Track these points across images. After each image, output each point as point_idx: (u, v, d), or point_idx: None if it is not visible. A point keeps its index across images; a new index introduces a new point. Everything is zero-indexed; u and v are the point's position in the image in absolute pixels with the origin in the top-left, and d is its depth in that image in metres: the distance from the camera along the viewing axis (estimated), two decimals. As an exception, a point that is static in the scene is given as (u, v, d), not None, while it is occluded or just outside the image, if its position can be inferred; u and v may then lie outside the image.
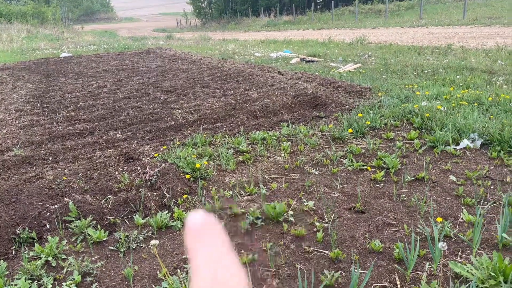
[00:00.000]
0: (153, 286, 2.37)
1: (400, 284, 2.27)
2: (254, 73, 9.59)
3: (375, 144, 4.44)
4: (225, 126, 5.46)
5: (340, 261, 2.52)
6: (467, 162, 3.89)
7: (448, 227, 2.75)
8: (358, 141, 4.66)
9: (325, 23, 34.12)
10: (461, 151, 4.14)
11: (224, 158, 4.26)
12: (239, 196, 3.51)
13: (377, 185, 3.54)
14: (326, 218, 3.06)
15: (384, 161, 3.91)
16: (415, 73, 8.22)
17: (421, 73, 8.25)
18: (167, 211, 3.23)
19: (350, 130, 4.75)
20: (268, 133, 4.99)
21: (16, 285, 2.37)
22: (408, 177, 3.60)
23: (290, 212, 3.13)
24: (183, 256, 2.67)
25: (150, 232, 3.02)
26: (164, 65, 12.01)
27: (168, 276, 2.36)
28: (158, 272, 2.50)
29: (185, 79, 9.35)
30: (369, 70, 8.98)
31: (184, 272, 2.46)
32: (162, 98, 7.36)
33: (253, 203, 3.36)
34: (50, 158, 4.61)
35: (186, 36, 26.19)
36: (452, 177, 3.56)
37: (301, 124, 5.36)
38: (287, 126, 5.20)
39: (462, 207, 3.07)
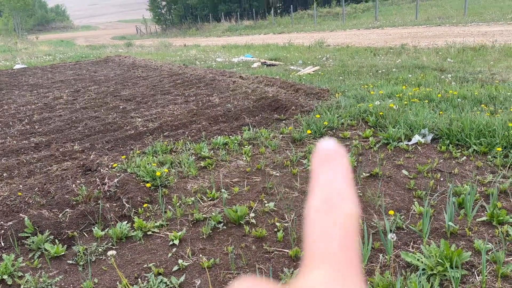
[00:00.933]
0: (113, 297, 2.35)
1: (356, 277, 2.35)
2: (216, 79, 9.61)
3: (333, 143, 4.56)
4: (186, 133, 5.45)
5: (299, 259, 2.58)
6: (419, 157, 4.08)
7: (400, 219, 2.88)
8: (317, 141, 4.76)
9: (285, 27, 34.63)
10: (413, 146, 4.33)
11: (185, 164, 4.26)
12: (201, 202, 3.52)
13: (335, 183, 3.64)
14: (286, 218, 3.12)
15: (342, 160, 4.03)
16: (370, 74, 8.51)
17: (376, 73, 8.55)
18: (127, 222, 3.19)
19: (309, 131, 4.87)
20: (230, 137, 5.02)
21: (-33, 308, 2.28)
22: (363, 173, 3.73)
23: (252, 214, 3.17)
24: (145, 265, 2.65)
25: (110, 243, 2.97)
26: (123, 73, 11.81)
27: (128, 287, 2.34)
28: (118, 283, 2.47)
29: (145, 86, 9.24)
30: (327, 72, 9.21)
31: (145, 281, 2.45)
32: (121, 107, 7.24)
33: (215, 208, 3.38)
34: (4, 174, 4.44)
35: (146, 43, 25.83)
36: (404, 172, 3.72)
37: (262, 127, 5.43)
38: (248, 130, 5.25)
39: (414, 200, 3.22)
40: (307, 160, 4.17)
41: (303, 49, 15.18)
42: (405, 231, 2.79)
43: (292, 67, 10.74)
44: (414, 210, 3.06)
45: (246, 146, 4.72)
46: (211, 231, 3.01)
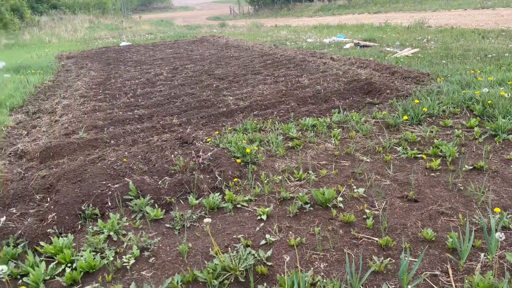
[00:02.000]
0: (206, 262, 2.50)
1: (452, 274, 2.21)
2: (306, 59, 9.50)
3: (431, 131, 4.27)
4: (275, 113, 5.50)
5: (389, 249, 2.49)
6: (533, 152, 3.65)
7: (507, 218, 2.62)
8: (414, 129, 4.51)
9: (382, 6, 32.77)
10: (527, 140, 3.88)
11: (273, 143, 4.31)
12: (288, 181, 3.56)
13: (432, 174, 3.43)
14: (376, 205, 3.02)
15: (441, 150, 3.76)
16: (477, 58, 7.74)
17: (484, 57, 7.74)
18: (218, 193, 3.35)
19: (405, 117, 4.61)
20: (318, 119, 4.96)
21: (82, 256, 2.59)
22: (466, 166, 3.44)
23: (339, 199, 3.13)
24: (234, 236, 2.77)
25: (203, 212, 3.15)
26: (217, 52, 12.22)
27: (219, 254, 2.47)
28: (210, 250, 2.62)
29: (237, 66, 9.47)
30: (428, 55, 8.57)
31: (235, 251, 2.56)
32: (214, 85, 7.53)
33: (302, 188, 3.40)
34: (112, 141, 4.91)
35: (238, 24, 26.38)
36: (514, 167, 3.36)
37: (353, 110, 5.27)
38: (338, 113, 5.14)
39: (525, 199, 2.90)
40: (401, 148, 3.96)
41: (401, 30, 14.28)
42: (512, 231, 2.54)
43: (388, 49, 10.19)
44: (524, 210, 2.76)
45: (335, 129, 4.63)
46: (297, 211, 3.04)
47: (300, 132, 4.66)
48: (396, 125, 4.58)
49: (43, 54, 14.16)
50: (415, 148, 3.95)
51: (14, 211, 3.29)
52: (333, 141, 4.33)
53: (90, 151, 4.65)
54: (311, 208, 3.05)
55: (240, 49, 12.61)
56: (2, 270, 2.01)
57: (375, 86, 6.22)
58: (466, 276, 2.16)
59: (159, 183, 3.63)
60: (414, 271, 2.15)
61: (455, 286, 2.12)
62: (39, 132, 5.51)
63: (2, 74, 9.72)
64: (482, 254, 2.30)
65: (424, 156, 3.75)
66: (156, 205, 3.28)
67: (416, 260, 2.33)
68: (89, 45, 17.38)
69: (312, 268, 2.37)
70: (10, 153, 4.70)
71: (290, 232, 2.77)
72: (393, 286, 2.17)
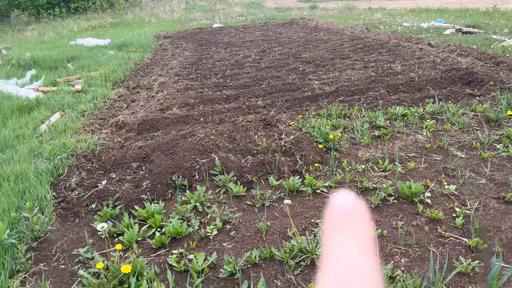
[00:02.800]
0: (283, 241, 2.56)
1: (553, 288, 2.01)
2: (400, 45, 8.99)
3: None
4: (362, 99, 5.33)
5: (479, 251, 2.32)
6: None
7: None
8: (519, 125, 4.07)
9: (492, -12, 29.49)
10: None
11: (358, 131, 4.20)
12: (371, 171, 3.46)
13: (537, 176, 3.09)
14: (468, 204, 2.82)
15: (550, 150, 3.37)
16: None
17: None
18: (298, 177, 3.37)
19: (509, 112, 4.18)
20: (409, 109, 4.71)
21: (170, 222, 2.81)
22: None
23: (427, 194, 2.97)
24: (312, 220, 2.79)
25: (282, 193, 3.21)
26: (305, 35, 12.09)
27: (297, 236, 2.51)
28: (288, 230, 2.67)
29: (325, 50, 9.29)
30: (543, 44, 7.60)
31: (312, 235, 2.58)
32: (301, 69, 7.49)
33: (386, 180, 3.28)
34: (201, 119, 5.17)
35: (330, 6, 25.71)
36: None
37: (449, 101, 4.90)
38: (432, 103, 4.82)
39: None
40: (502, 145, 3.61)
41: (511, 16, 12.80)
42: None
43: (494, 37, 9.22)
44: None
45: (428, 120, 4.36)
46: (380, 202, 2.95)
47: (388, 121, 4.47)
48: (497, 120, 4.18)
49: (143, 33, 15.21)
50: (519, 147, 3.58)
51: (114, 176, 3.65)
52: (425, 133, 4.09)
53: (181, 127, 4.95)
54: (395, 201, 2.94)
55: (330, 32, 12.32)
56: (103, 227, 2.26)
57: (477, 77, 5.70)
58: None
59: (242, 161, 3.75)
60: (506, 277, 1.99)
61: (556, 301, 1.92)
62: (137, 106, 5.98)
63: (107, 51, 10.67)
64: None
65: (529, 156, 3.39)
66: (238, 182, 3.41)
67: (509, 266, 2.14)
68: (184, 26, 18.26)
69: (392, 261, 2.30)
70: (112, 124, 5.19)
71: (372, 223, 2.71)
72: (480, 292, 2.04)
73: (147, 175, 3.56)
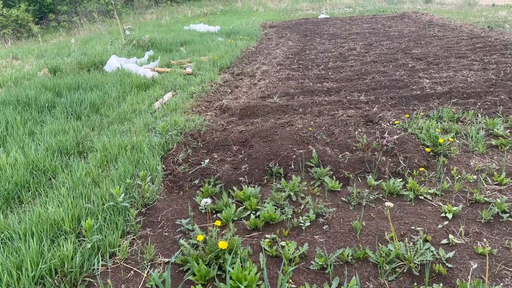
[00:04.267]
0: (380, 244, 2.47)
1: None
2: (530, 46, 7.97)
3: None
4: (479, 104, 4.85)
5: None
6: None
7: None
8: None
9: None
10: None
11: (473, 138, 3.84)
12: (484, 183, 3.15)
13: None
14: None
15: None
16: None
17: None
18: (400, 179, 3.21)
19: None
20: (536, 119, 4.17)
21: (265, 207, 2.88)
22: None
23: (551, 216, 2.62)
24: (412, 227, 2.65)
25: (381, 195, 3.09)
26: (417, 30, 11.33)
27: (395, 240, 2.40)
28: (385, 234, 2.57)
29: (439, 47, 8.61)
30: None
31: (411, 242, 2.45)
32: (410, 65, 7.05)
33: (500, 194, 2.97)
34: (300, 110, 5.18)
35: (447, 1, 23.71)
36: None
37: None
38: None
39: None
40: None
41: None
42: None
43: None
44: None
45: (559, 134, 3.82)
46: (491, 218, 2.68)
47: (508, 131, 4.01)
48: None
49: (250, 21, 15.63)
50: None
51: (216, 156, 3.85)
52: (553, 148, 3.60)
53: (280, 116, 5.01)
54: (510, 219, 2.65)
55: (445, 29, 11.38)
56: (207, 202, 2.41)
57: None
58: None
59: (339, 156, 3.69)
60: None
61: None
62: (240, 92, 6.20)
63: (217, 37, 11.18)
64: None
65: None
66: (334, 177, 3.36)
67: None
68: (290, 16, 18.34)
69: (502, 284, 2.09)
70: (216, 107, 5.46)
71: (480, 239, 2.48)
72: None
73: (246, 159, 3.69)
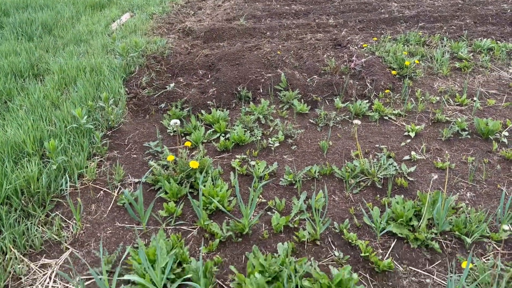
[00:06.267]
0: (345, 161, 2.55)
1: None
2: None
3: None
4: (445, 28, 4.87)
5: (556, 197, 2.19)
6: None
7: None
8: None
9: None
10: None
11: (438, 61, 3.90)
12: (446, 104, 3.26)
13: None
14: (550, 149, 2.62)
15: None
16: None
17: None
18: (367, 101, 3.26)
19: None
20: (497, 43, 4.26)
21: (234, 129, 2.87)
22: None
23: (505, 133, 2.78)
24: (376, 145, 2.73)
25: (347, 116, 3.14)
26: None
27: (360, 157, 2.48)
28: (351, 152, 2.65)
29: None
30: None
31: (375, 159, 2.55)
32: (379, -11, 6.88)
33: (461, 114, 3.09)
34: (268, 33, 5.02)
35: None
36: None
37: (546, 39, 4.36)
38: (525, 39, 4.31)
39: None
40: None
41: None
42: None
43: None
44: None
45: (517, 57, 3.94)
46: (451, 136, 2.81)
47: (471, 54, 4.09)
48: None
49: None
50: None
51: (181, 80, 3.72)
52: (511, 70, 3.72)
53: (247, 39, 4.85)
54: (468, 136, 2.79)
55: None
56: (176, 123, 2.35)
57: None
58: None
59: (308, 80, 3.66)
60: None
61: None
62: (204, 14, 5.88)
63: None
64: None
65: None
66: (302, 100, 3.36)
67: None
68: None
69: (457, 194, 2.24)
70: (179, 29, 5.18)
71: (440, 155, 2.61)
72: (551, 236, 1.95)
73: (213, 82, 3.59)
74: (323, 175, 2.46)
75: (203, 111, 3.14)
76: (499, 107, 3.16)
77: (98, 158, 2.61)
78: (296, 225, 2.07)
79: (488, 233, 1.96)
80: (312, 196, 2.06)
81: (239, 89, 3.48)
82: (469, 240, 1.90)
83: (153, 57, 4.02)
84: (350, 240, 1.96)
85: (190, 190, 2.30)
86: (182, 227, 2.09)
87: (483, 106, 3.18)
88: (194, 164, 2.25)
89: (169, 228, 2.08)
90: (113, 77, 3.41)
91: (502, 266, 1.78)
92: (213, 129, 2.94)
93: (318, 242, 1.97)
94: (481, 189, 2.29)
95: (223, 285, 1.76)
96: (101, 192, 2.33)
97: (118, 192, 2.32)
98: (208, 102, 3.31)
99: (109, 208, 2.21)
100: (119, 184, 2.38)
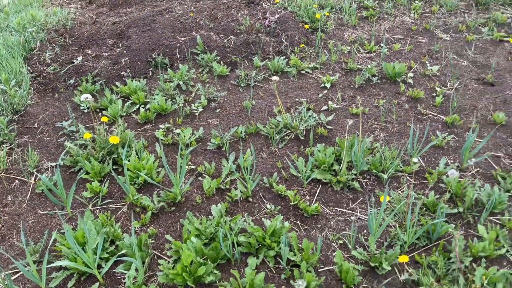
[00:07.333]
0: (269, 118, 2.60)
1: (517, 158, 2.18)
2: None
3: (527, 14, 3.79)
4: (351, -21, 5.02)
5: (455, 127, 2.45)
6: None
7: None
8: (506, 9, 4.00)
9: None
10: None
11: (346, 11, 4.04)
12: (357, 53, 3.42)
13: (517, 60, 3.14)
14: (448, 85, 2.88)
15: (534, 34, 3.38)
16: None
17: None
18: (284, 57, 3.31)
19: (499, -5, 4.06)
20: (399, -10, 4.49)
21: (154, 99, 2.78)
22: (561, 55, 3.11)
23: (410, 74, 3.00)
24: (296, 99, 2.82)
25: (267, 74, 3.17)
26: None
27: (283, 113, 2.55)
28: (273, 109, 2.70)
29: None
30: None
31: (297, 112, 2.63)
32: None
33: (371, 61, 3.27)
34: (178, -5, 4.80)
35: None
36: None
37: (439, -17, 4.69)
38: (422, -16, 4.60)
39: None
40: (487, 29, 3.58)
41: None
42: None
43: None
44: None
45: (416, 1, 4.21)
46: (363, 82, 2.98)
47: (376, 2, 4.29)
48: (486, 3, 4.07)
49: None
50: (503, 31, 3.57)
51: (89, 52, 3.47)
52: (412, 15, 3.98)
53: (157, 3, 4.61)
54: (379, 81, 2.97)
55: None
56: (87, 98, 2.21)
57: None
58: (533, 162, 2.13)
59: (225, 41, 3.61)
60: (477, 149, 2.13)
61: (518, 169, 2.11)
62: (107, -21, 5.45)
63: None
64: (556, 144, 2.21)
65: (510, 39, 3.40)
66: (222, 62, 3.32)
67: (481, 140, 2.29)
68: None
69: (372, 135, 2.41)
70: (81, -2, 4.77)
71: (357, 101, 2.76)
72: (452, 161, 2.19)
73: (125, 51, 3.41)
74: (249, 134, 2.50)
75: (117, 83, 2.98)
76: (404, 51, 3.39)
77: (7, 146, 2.40)
78: (228, 186, 2.10)
79: (402, 167, 2.15)
80: (240, 156, 2.10)
81: (154, 56, 3.34)
82: (385, 176, 2.08)
83: (54, 30, 3.68)
84: (279, 192, 2.04)
85: (114, 167, 2.22)
86: (110, 206, 2.03)
87: (390, 51, 3.39)
88: (114, 139, 2.16)
89: (97, 209, 2.01)
90: (12, 56, 3.08)
91: (415, 195, 1.97)
92: (132, 101, 2.82)
93: (250, 199, 2.03)
94: (393, 128, 2.49)
95: (161, 255, 1.77)
96: (16, 181, 2.16)
97: (35, 179, 2.17)
98: (122, 73, 3.14)
99: (27, 197, 2.07)
100: (34, 170, 2.22)
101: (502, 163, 2.17)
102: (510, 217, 1.82)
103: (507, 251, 1.69)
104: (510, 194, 1.95)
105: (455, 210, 1.86)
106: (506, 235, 1.74)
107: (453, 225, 1.76)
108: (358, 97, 2.81)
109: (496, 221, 1.85)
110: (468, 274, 1.57)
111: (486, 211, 1.81)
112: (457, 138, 2.35)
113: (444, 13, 4.00)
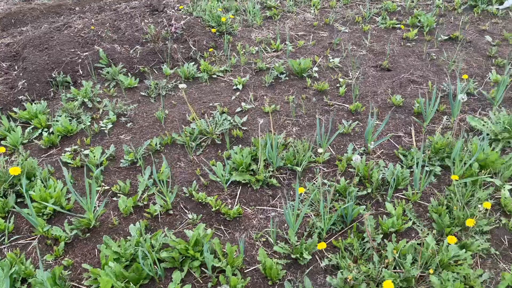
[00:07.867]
0: (183, 126, 2.57)
1: (415, 135, 2.38)
2: None
3: (412, 1, 4.15)
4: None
5: (359, 114, 2.61)
6: (508, 23, 3.64)
7: (473, 84, 2.73)
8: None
9: None
10: (504, 11, 3.83)
11: (250, 13, 4.12)
12: (264, 52, 3.50)
13: (408, 44, 3.42)
14: (350, 75, 3.06)
15: (419, 20, 3.70)
16: None
17: None
18: (193, 63, 3.28)
19: (387, -14, 4.40)
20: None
21: (58, 121, 2.61)
22: (442, 36, 3.44)
23: (315, 68, 3.14)
24: (210, 104, 2.81)
25: (178, 81, 3.13)
26: None
27: (197, 119, 2.53)
28: (187, 116, 2.67)
29: None
30: None
31: (211, 117, 2.63)
32: None
33: (278, 59, 3.36)
34: (77, 8, 4.57)
35: None
36: (487, 37, 3.38)
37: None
38: (319, -19, 4.84)
39: (492, 68, 2.99)
40: (381, 18, 3.87)
41: None
42: (476, 97, 2.67)
43: None
44: (489, 78, 2.87)
45: (315, -2, 4.42)
46: (273, 81, 3.06)
47: (278, 1, 4.43)
48: (378, -5, 4.39)
49: None
50: (394, 18, 3.88)
51: (-19, 79, 3.17)
52: (313, 11, 4.17)
53: (54, 19, 4.35)
54: (287, 78, 3.07)
55: None
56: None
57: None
58: (428, 136, 2.33)
59: (131, 52, 3.50)
60: (379, 132, 2.29)
61: (416, 144, 2.30)
62: (-6, -3, 5.02)
63: None
64: (445, 117, 2.45)
65: (402, 26, 3.70)
66: (129, 73, 3.22)
67: (381, 123, 2.46)
68: None
69: (285, 131, 2.48)
70: (-35, 20, 4.34)
71: (266, 100, 2.82)
72: (358, 146, 2.33)
73: (21, 74, 3.16)
74: (165, 146, 2.44)
75: (15, 109, 2.76)
76: (308, 46, 3.54)
77: None
78: (146, 202, 2.04)
79: (314, 158, 2.24)
80: (154, 170, 2.04)
81: (53, 75, 3.13)
82: (299, 169, 2.15)
83: None
84: (200, 200, 2.02)
85: (19, 200, 2.05)
86: (19, 242, 1.87)
87: (295, 48, 3.52)
88: (15, 170, 1.99)
89: (4, 247, 1.84)
90: None
91: (328, 182, 2.07)
92: (33, 126, 2.63)
93: (171, 212, 1.99)
94: (303, 122, 2.58)
95: (80, 286, 1.66)
96: None
97: None
98: (20, 97, 2.91)
99: None
100: None
101: (403, 142, 2.35)
102: (413, 191, 1.98)
103: (414, 223, 1.84)
104: (412, 170, 2.12)
105: (365, 192, 1.98)
106: (412, 208, 1.89)
107: (364, 206, 1.87)
108: (270, 95, 2.88)
109: (402, 196, 2.00)
110: (382, 251, 1.68)
111: (391, 188, 1.95)
112: (361, 124, 2.51)
113: (342, 6, 4.24)
